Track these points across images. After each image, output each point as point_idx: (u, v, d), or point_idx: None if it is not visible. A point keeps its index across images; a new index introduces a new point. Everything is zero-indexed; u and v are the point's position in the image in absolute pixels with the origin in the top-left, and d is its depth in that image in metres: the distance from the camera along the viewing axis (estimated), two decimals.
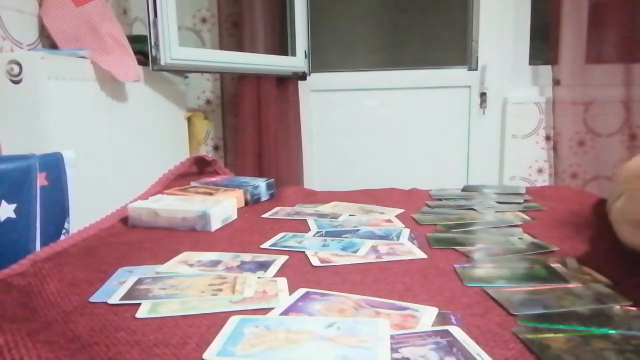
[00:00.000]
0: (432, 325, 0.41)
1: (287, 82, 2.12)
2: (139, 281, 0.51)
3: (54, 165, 1.04)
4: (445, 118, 2.16)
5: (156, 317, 0.43)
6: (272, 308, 0.44)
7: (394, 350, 0.36)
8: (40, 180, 0.99)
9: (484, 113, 2.12)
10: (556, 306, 0.44)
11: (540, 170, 2.11)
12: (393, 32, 2.26)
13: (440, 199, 0.95)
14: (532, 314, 0.42)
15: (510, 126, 2.09)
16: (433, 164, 2.18)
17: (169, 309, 0.45)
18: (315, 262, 0.58)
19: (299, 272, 0.55)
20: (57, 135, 1.24)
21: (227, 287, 0.49)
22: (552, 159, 2.07)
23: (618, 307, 0.43)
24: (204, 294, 0.48)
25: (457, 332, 0.39)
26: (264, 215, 0.83)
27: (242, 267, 0.56)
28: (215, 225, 0.75)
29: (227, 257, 0.60)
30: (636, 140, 1.94)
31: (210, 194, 0.88)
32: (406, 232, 0.71)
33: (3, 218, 0.90)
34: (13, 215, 0.92)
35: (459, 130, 2.15)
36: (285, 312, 0.43)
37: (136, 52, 1.59)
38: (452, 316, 0.42)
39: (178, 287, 0.50)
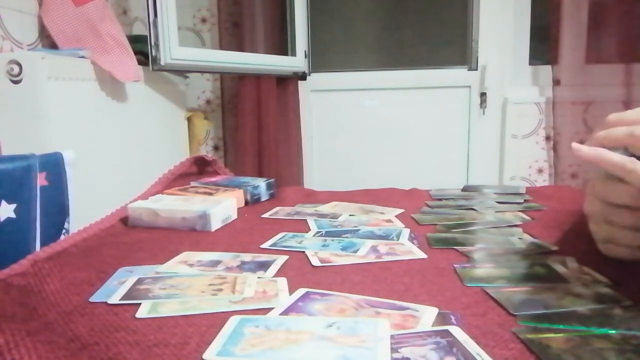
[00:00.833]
0: (432, 325, 0.41)
1: (287, 82, 2.12)
2: (139, 281, 0.51)
3: (54, 165, 1.04)
4: (445, 118, 2.16)
5: (156, 317, 0.43)
6: (272, 308, 0.44)
7: (394, 350, 0.36)
8: (40, 180, 0.99)
9: (484, 113, 2.12)
10: (556, 306, 0.44)
11: (540, 170, 2.11)
12: (393, 32, 2.26)
13: (440, 199, 0.95)
14: (532, 314, 0.42)
15: (510, 126, 2.09)
16: (433, 164, 2.18)
17: (169, 309, 0.45)
18: (315, 262, 0.58)
19: (299, 272, 0.55)
20: (57, 135, 1.24)
21: (227, 287, 0.49)
22: (552, 159, 2.07)
23: (618, 307, 0.43)
24: (204, 294, 0.48)
25: (457, 332, 0.39)
26: (264, 215, 0.83)
27: (242, 267, 0.56)
28: (215, 225, 0.75)
29: (227, 257, 0.60)
30: None
31: (210, 194, 0.88)
32: (406, 232, 0.71)
33: (3, 218, 0.90)
34: (13, 215, 0.92)
35: (459, 130, 2.15)
36: (285, 312, 0.43)
37: (136, 52, 1.59)
38: (452, 316, 0.42)
39: (178, 287, 0.50)
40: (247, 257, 0.60)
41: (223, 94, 2.25)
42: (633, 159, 0.46)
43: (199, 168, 1.12)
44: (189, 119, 2.10)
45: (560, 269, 0.53)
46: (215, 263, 0.58)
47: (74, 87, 1.33)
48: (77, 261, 0.59)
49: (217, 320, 0.42)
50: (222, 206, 0.77)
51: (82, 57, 1.39)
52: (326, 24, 2.26)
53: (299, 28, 2.11)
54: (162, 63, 1.68)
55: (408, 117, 2.18)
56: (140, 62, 1.61)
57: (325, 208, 0.88)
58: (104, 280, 0.53)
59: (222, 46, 2.13)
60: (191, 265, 0.57)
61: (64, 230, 1.06)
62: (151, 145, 1.77)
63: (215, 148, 2.30)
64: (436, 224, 0.76)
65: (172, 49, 1.68)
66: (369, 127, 2.21)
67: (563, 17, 1.93)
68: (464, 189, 1.03)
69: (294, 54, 2.13)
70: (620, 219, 0.51)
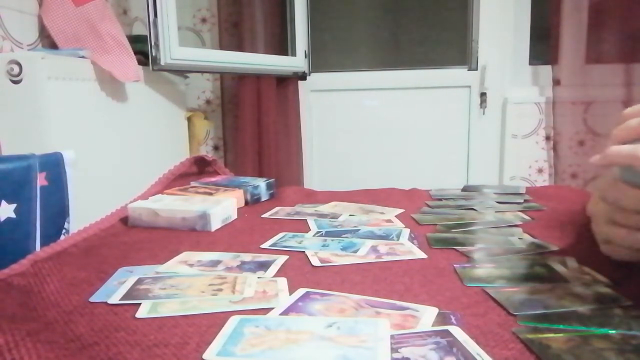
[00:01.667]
0: (432, 325, 0.41)
1: (287, 82, 2.12)
2: (139, 281, 0.51)
3: (54, 165, 1.04)
4: (445, 118, 2.16)
5: (156, 317, 0.43)
6: (272, 308, 0.44)
7: (394, 350, 0.36)
8: (40, 180, 0.99)
9: (484, 113, 2.12)
10: (556, 306, 0.44)
11: (540, 170, 2.11)
12: (393, 32, 2.26)
13: (440, 199, 0.95)
14: (532, 314, 0.42)
15: (510, 126, 2.09)
16: (433, 164, 2.18)
17: (169, 309, 0.45)
18: (315, 262, 0.58)
19: (299, 272, 0.55)
20: (57, 135, 1.24)
21: (227, 287, 0.49)
22: (552, 159, 2.07)
23: (618, 307, 0.43)
24: (204, 294, 0.48)
25: (457, 332, 0.39)
26: (264, 215, 0.83)
27: (242, 267, 0.56)
28: (215, 225, 0.75)
29: (227, 257, 0.60)
30: None
31: (210, 194, 0.88)
32: (406, 232, 0.71)
33: (3, 218, 0.90)
34: (13, 215, 0.92)
35: (459, 130, 2.15)
36: (286, 312, 0.43)
37: (136, 52, 1.59)
38: (452, 316, 0.42)
39: (178, 287, 0.50)
40: (247, 257, 0.60)
41: (223, 94, 2.25)
42: None
43: (199, 168, 1.12)
44: (189, 119, 2.10)
45: (560, 269, 0.53)
46: (215, 263, 0.58)
47: (74, 87, 1.33)
48: (77, 261, 0.59)
49: (217, 320, 0.42)
50: (222, 206, 0.77)
51: (82, 57, 1.39)
52: (326, 24, 2.26)
53: (299, 28, 2.11)
54: (162, 63, 1.68)
55: (408, 117, 2.18)
56: (140, 62, 1.61)
57: (325, 208, 0.88)
58: (104, 280, 0.53)
59: (222, 46, 2.13)
60: (191, 265, 0.57)
61: (64, 230, 1.06)
62: (151, 145, 1.77)
63: (215, 148, 2.30)
64: (436, 224, 0.76)
65: (172, 49, 1.68)
66: (369, 127, 2.21)
67: (563, 17, 1.93)
68: (464, 189, 1.03)
69: (294, 54, 2.13)
70: (624, 218, 0.51)
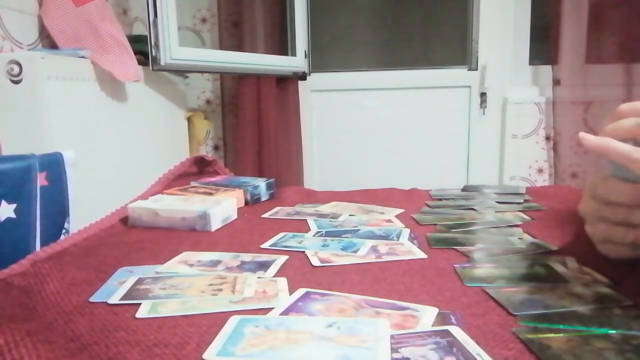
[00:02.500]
0: (432, 325, 0.41)
1: (287, 82, 2.12)
2: (139, 281, 0.51)
3: (54, 165, 1.04)
4: (445, 118, 2.16)
5: (156, 317, 0.43)
6: (272, 308, 0.44)
7: (394, 350, 0.36)
8: (40, 180, 0.99)
9: (484, 113, 2.12)
10: (556, 306, 0.44)
11: (540, 170, 2.11)
12: (393, 32, 2.26)
13: (440, 199, 0.95)
14: (532, 314, 0.42)
15: (510, 126, 2.09)
16: (433, 164, 2.18)
17: (169, 309, 0.45)
18: (315, 262, 0.58)
19: (299, 272, 0.55)
20: (57, 135, 1.24)
21: (227, 287, 0.49)
22: (552, 159, 2.07)
23: (618, 307, 0.43)
24: (204, 294, 0.48)
25: (457, 332, 0.39)
26: (264, 215, 0.83)
27: (242, 267, 0.56)
28: (215, 225, 0.75)
29: (227, 257, 0.60)
30: None
31: (210, 194, 0.88)
32: (406, 232, 0.71)
33: (3, 218, 0.90)
34: (13, 215, 0.92)
35: (459, 130, 2.15)
36: (286, 312, 0.43)
37: (136, 52, 1.59)
38: (452, 316, 0.42)
39: (178, 287, 0.50)
40: (247, 257, 0.60)
41: (223, 94, 2.25)
42: (639, 148, 0.46)
43: (199, 168, 1.12)
44: (189, 119, 2.10)
45: (560, 269, 0.53)
46: (215, 263, 0.58)
47: (74, 87, 1.33)
48: (77, 261, 0.59)
49: (217, 320, 0.42)
50: (222, 206, 0.77)
51: (82, 57, 1.39)
52: (326, 24, 2.26)
53: (299, 28, 2.11)
54: (162, 63, 1.68)
55: (408, 117, 2.18)
56: (140, 62, 1.61)
57: (325, 208, 0.88)
58: (104, 280, 0.53)
59: (222, 46, 2.13)
60: (191, 265, 0.57)
61: (64, 230, 1.06)
62: (151, 145, 1.77)
63: (215, 148, 2.30)
64: (436, 224, 0.76)
65: (172, 49, 1.68)
66: (369, 127, 2.21)
67: (563, 17, 1.93)
68: (464, 189, 1.03)
69: (294, 54, 2.13)
70: (611, 214, 0.51)
